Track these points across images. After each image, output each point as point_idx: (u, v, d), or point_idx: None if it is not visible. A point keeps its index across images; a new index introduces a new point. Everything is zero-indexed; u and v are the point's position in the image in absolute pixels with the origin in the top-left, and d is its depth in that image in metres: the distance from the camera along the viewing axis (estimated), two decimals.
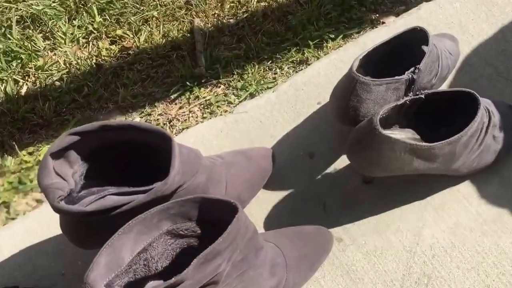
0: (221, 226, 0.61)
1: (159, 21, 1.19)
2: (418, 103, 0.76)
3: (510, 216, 0.79)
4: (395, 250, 0.79)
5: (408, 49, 0.85)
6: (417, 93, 0.76)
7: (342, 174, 0.88)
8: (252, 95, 1.04)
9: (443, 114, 0.79)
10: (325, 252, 0.78)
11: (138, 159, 0.74)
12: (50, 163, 0.64)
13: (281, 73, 1.08)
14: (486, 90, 0.92)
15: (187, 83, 1.07)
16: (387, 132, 0.71)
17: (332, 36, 1.11)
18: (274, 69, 1.08)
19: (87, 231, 0.68)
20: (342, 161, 0.89)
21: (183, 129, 1.02)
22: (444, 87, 0.92)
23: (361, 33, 1.11)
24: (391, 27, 1.06)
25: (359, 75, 0.76)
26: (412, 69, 0.79)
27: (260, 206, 0.87)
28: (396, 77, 0.78)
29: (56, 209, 0.63)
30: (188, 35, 1.16)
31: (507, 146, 0.80)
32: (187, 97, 1.06)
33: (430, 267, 0.77)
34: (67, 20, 1.20)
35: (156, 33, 1.16)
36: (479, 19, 1.02)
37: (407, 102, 0.76)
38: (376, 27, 1.10)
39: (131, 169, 0.74)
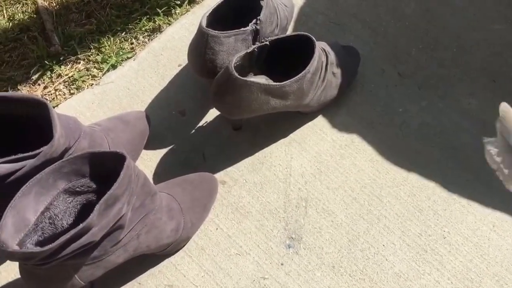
0: (114, 178, 0.68)
1: (1, 5, 1.17)
2: (265, 50, 0.88)
3: (359, 139, 0.96)
4: (273, 183, 0.91)
5: (249, 5, 0.96)
6: (262, 40, 0.88)
7: (214, 125, 0.98)
8: (114, 66, 1.08)
9: (290, 61, 0.92)
10: (213, 193, 0.88)
11: (14, 130, 0.76)
12: None
13: (138, 42, 1.13)
14: (322, 35, 1.07)
15: (46, 62, 1.08)
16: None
17: (178, 2, 1.19)
18: (129, 39, 1.14)
19: None
20: (211, 114, 0.99)
21: (53, 107, 1.03)
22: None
23: None
24: None
25: (209, 29, 0.86)
26: (254, 20, 0.91)
27: (145, 165, 0.94)
28: (242, 29, 0.89)
29: None
30: (35, 16, 1.16)
31: (346, 80, 0.96)
32: (49, 76, 1.07)
33: (305, 191, 0.90)
34: None
35: (0, 17, 1.14)
36: None
37: (255, 49, 0.87)
38: None
39: (10, 140, 0.76)
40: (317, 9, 1.11)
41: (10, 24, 1.14)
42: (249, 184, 0.92)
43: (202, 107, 1.00)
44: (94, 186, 0.72)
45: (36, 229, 0.65)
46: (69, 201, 0.71)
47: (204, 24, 0.87)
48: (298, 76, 0.84)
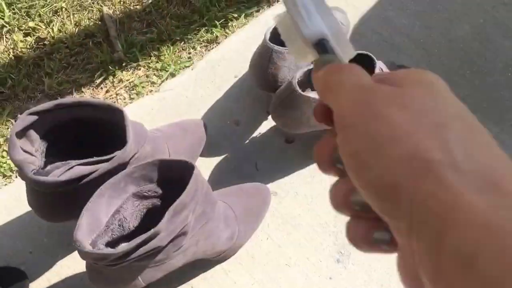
0: (179, 184, 0.71)
1: (68, 11, 1.22)
2: None
3: None
4: (323, 197, 0.94)
5: None
6: None
7: (267, 136, 1.01)
8: (172, 74, 1.12)
9: None
10: (266, 204, 0.90)
11: (88, 132, 0.80)
12: (16, 141, 0.69)
13: (195, 52, 1.17)
14: (375, 54, 1.08)
15: (109, 67, 1.13)
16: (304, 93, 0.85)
17: (235, 15, 1.22)
18: (187, 49, 1.18)
19: (55, 204, 0.75)
20: (265, 126, 1.02)
21: None
22: None
23: (260, 11, 1.23)
24: None
25: (274, 45, 0.89)
26: None
27: (200, 171, 0.97)
28: None
29: (32, 181, 0.68)
30: (100, 22, 1.21)
31: None
32: (111, 81, 1.12)
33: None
34: None
35: (68, 23, 1.20)
36: None
37: None
38: (272, 5, 1.23)
39: (83, 142, 0.80)
40: (371, 28, 1.13)
41: (77, 29, 1.19)
42: (300, 196, 0.94)
43: (256, 118, 1.03)
44: (160, 191, 0.75)
45: (107, 230, 0.69)
46: (136, 205, 0.74)
47: (268, 38, 0.90)
48: None
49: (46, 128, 0.74)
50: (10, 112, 1.07)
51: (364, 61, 0.91)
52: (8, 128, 1.06)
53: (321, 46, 0.32)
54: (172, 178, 0.74)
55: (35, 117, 0.71)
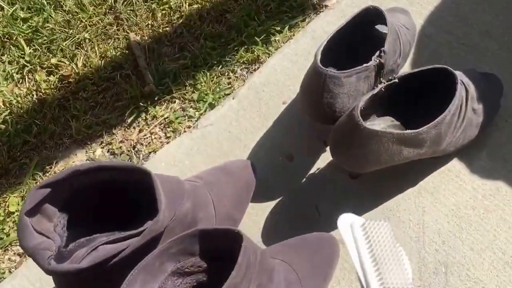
0: (227, 256, 0.58)
1: (92, 42, 1.11)
2: (392, 87, 0.75)
3: (507, 187, 0.79)
4: (403, 243, 0.77)
5: (362, 31, 0.83)
6: (390, 77, 0.74)
7: (327, 172, 0.86)
8: (211, 105, 0.99)
9: (417, 94, 0.78)
10: (334, 258, 0.75)
11: (115, 196, 0.68)
12: (28, 222, 0.58)
13: (235, 76, 1.03)
14: (450, 60, 0.91)
15: (140, 103, 1.00)
16: (369, 125, 0.68)
17: (278, 28, 1.07)
18: (226, 73, 1.04)
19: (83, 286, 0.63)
20: (323, 159, 0.87)
21: (149, 153, 0.96)
22: (407, 64, 0.91)
23: (307, 20, 1.08)
24: (337, 9, 1.04)
25: (327, 69, 0.73)
26: (377, 53, 0.77)
27: (252, 220, 0.83)
28: (365, 65, 0.75)
29: (49, 272, 0.57)
30: (127, 51, 1.09)
31: (487, 117, 0.79)
32: (144, 118, 1.00)
33: (443, 254, 0.75)
34: None
35: (93, 55, 1.09)
36: None
37: (382, 89, 0.74)
38: (320, 12, 1.07)
39: (110, 207, 0.68)
40: (441, 27, 0.95)
41: (103, 62, 1.08)
42: None
43: (311, 150, 0.88)
44: (205, 265, 0.62)
45: None
46: (177, 284, 0.61)
47: (319, 60, 0.75)
48: (437, 120, 0.70)
49: (64, 197, 0.63)
50: (37, 163, 0.97)
51: (441, 76, 0.74)
52: (36, 182, 0.95)
53: None
54: (218, 248, 0.60)
55: (46, 190, 0.59)
